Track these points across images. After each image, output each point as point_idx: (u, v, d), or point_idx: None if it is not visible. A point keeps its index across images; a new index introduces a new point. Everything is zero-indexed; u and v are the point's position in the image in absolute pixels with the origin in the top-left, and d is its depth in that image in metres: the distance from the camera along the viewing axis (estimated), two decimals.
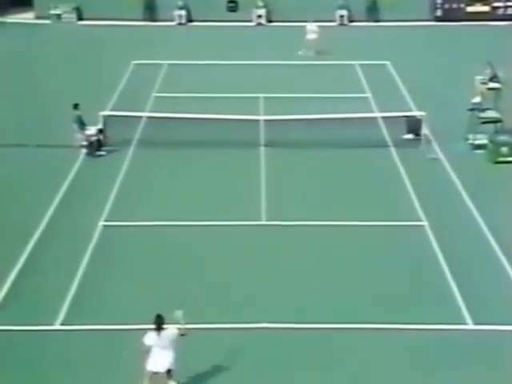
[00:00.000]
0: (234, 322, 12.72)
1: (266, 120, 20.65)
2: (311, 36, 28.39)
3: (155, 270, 14.44)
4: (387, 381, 11.55)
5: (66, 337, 12.48)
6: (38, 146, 19.65)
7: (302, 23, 28.37)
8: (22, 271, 14.34)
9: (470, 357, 12.04)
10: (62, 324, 12.77)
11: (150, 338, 10.79)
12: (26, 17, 33.96)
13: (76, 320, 12.83)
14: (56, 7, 33.49)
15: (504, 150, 18.98)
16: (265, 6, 33.55)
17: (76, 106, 19.63)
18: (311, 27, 28.50)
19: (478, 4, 33.16)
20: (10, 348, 12.22)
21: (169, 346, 10.77)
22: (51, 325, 12.72)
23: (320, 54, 27.99)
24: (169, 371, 10.89)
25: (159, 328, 10.75)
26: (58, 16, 33.46)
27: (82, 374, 11.65)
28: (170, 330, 10.80)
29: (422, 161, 19.06)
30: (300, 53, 28.04)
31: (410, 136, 20.31)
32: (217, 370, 11.66)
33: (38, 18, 33.82)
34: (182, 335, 10.77)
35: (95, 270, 14.40)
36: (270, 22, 33.61)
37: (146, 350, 10.78)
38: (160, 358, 10.79)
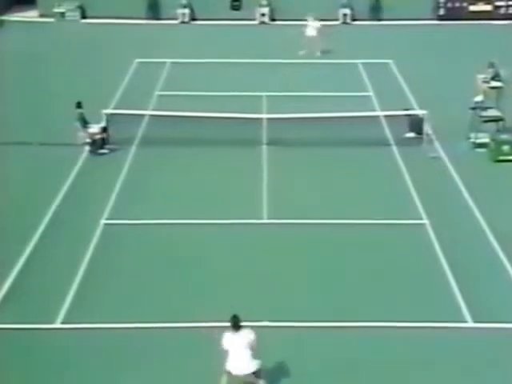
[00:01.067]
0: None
1: (268, 118, 20.66)
2: (311, 33, 28.07)
3: (157, 268, 14.45)
4: (387, 378, 11.57)
5: (67, 335, 12.47)
6: (41, 144, 19.67)
7: (306, 22, 28.24)
8: (23, 269, 14.35)
9: (469, 355, 12.04)
10: (63, 322, 12.76)
11: (227, 340, 10.57)
12: (30, 15, 33.99)
13: (77, 318, 12.82)
14: (60, 5, 33.52)
15: (506, 148, 18.97)
16: (268, 5, 33.51)
17: (79, 104, 19.64)
18: (312, 24, 28.13)
19: (481, 3, 33.10)
20: (10, 346, 12.22)
21: (247, 347, 10.50)
22: (52, 323, 12.71)
23: (323, 52, 27.96)
24: (255, 372, 10.60)
25: (236, 328, 10.52)
26: (62, 14, 33.49)
27: (83, 373, 11.65)
28: (247, 330, 10.59)
29: (423, 159, 19.06)
30: (301, 53, 27.92)
31: (412, 135, 20.32)
32: (218, 368, 11.59)
33: (41, 16, 33.87)
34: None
35: (97, 268, 14.40)
36: (274, 20, 33.58)
37: (225, 352, 10.56)
38: (240, 360, 10.52)
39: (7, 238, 15.44)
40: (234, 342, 10.53)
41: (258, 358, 10.68)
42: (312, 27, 28.14)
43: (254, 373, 10.64)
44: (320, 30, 28.03)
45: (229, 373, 10.64)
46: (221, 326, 12.35)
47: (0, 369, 11.72)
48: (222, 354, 10.66)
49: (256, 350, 10.65)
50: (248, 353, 10.52)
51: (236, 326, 10.58)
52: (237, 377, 10.58)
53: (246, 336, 10.55)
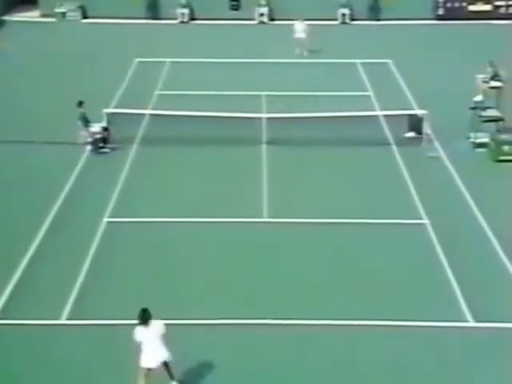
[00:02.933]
0: (236, 318, 12.77)
1: (268, 118, 20.66)
2: (300, 35, 28.23)
3: (159, 266, 14.50)
4: (387, 378, 11.59)
5: (72, 331, 12.57)
6: (43, 142, 19.69)
7: (305, 21, 28.27)
8: (28, 267, 14.42)
9: (470, 354, 12.07)
10: (68, 319, 12.86)
11: (139, 334, 10.76)
12: (32, 15, 34.02)
13: (82, 315, 12.91)
14: (61, 5, 33.59)
15: (506, 148, 18.98)
16: (267, 5, 33.54)
17: (80, 104, 19.68)
18: (299, 26, 28.28)
19: (480, 3, 33.13)
20: (16, 342, 12.31)
21: (158, 339, 10.73)
22: (57, 319, 12.80)
23: (313, 52, 27.94)
24: (165, 364, 10.88)
25: (145, 322, 10.74)
26: (63, 14, 33.57)
27: (87, 369, 11.73)
28: (157, 323, 10.79)
29: (423, 159, 19.07)
30: (297, 52, 28.04)
31: (412, 134, 20.35)
32: (218, 366, 11.70)
33: (43, 16, 33.92)
34: None
35: (100, 266, 14.47)
36: (273, 20, 33.60)
37: (139, 346, 10.78)
38: (152, 353, 10.75)
39: (11, 237, 15.49)
40: (145, 336, 10.72)
41: (166, 350, 10.84)
42: (300, 30, 28.27)
43: (165, 363, 10.86)
44: (307, 31, 28.09)
45: (144, 368, 10.80)
46: (221, 323, 12.55)
47: (7, 363, 11.86)
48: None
49: (163, 341, 10.79)
50: (160, 346, 10.73)
51: (145, 319, 10.75)
52: (150, 369, 10.80)
53: (156, 328, 10.76)
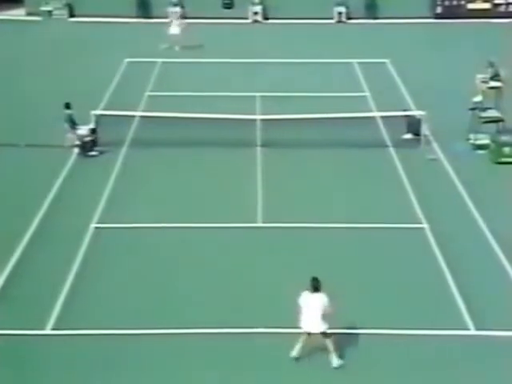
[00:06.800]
0: (229, 327, 12.50)
1: (262, 119, 20.37)
2: (174, 31, 28.52)
3: (148, 272, 14.21)
4: None
5: (58, 342, 12.25)
6: (29, 145, 19.40)
7: (300, 20, 28.11)
8: (12, 275, 14.11)
9: (471, 363, 11.81)
10: (54, 329, 12.55)
11: (304, 298, 11.41)
12: (17, 13, 33.65)
13: (68, 324, 12.62)
14: (47, 4, 33.18)
15: (506, 150, 18.73)
16: (261, 3, 33.28)
17: (67, 105, 19.40)
18: (175, 22, 28.81)
19: (479, 1, 32.92)
20: (1, 352, 12.01)
21: (320, 309, 11.31)
22: (42, 329, 12.49)
23: (183, 48, 27.86)
24: (325, 333, 11.48)
25: (314, 289, 11.34)
26: (49, 12, 33.17)
27: (73, 380, 11.45)
28: (323, 294, 11.37)
29: (421, 161, 18.81)
30: (164, 47, 28.15)
31: (410, 136, 20.04)
32: (212, 374, 11.50)
33: (28, 14, 33.51)
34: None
35: (87, 273, 14.18)
36: (267, 19, 33.34)
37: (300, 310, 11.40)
38: (312, 320, 11.39)
39: None
40: (308, 302, 11.40)
41: (328, 322, 11.43)
42: (175, 26, 28.65)
43: (323, 333, 11.51)
44: (183, 28, 28.44)
45: (305, 332, 11.53)
46: (215, 332, 12.27)
47: None
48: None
49: (329, 314, 11.41)
50: (319, 314, 11.36)
51: (315, 287, 11.39)
52: (310, 335, 11.53)
53: (320, 298, 11.37)
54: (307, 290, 11.40)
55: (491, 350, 12.11)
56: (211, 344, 12.13)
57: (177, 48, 28.28)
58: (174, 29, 28.67)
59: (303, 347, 11.62)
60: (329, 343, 11.55)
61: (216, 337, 12.29)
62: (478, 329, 12.54)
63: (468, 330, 12.55)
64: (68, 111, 19.30)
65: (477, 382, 11.45)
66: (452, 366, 11.71)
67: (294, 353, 11.65)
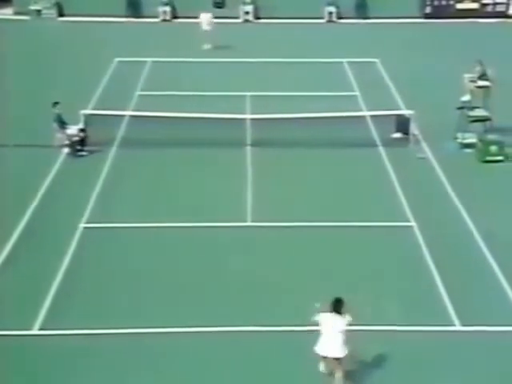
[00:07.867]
0: (218, 326, 12.49)
1: (252, 119, 20.32)
2: (206, 28, 28.33)
3: (137, 272, 14.12)
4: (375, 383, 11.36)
5: (45, 342, 12.17)
6: (17, 145, 19.26)
7: (291, 20, 28.01)
8: None
9: (457, 358, 11.87)
10: (41, 329, 12.49)
11: (323, 317, 10.71)
12: (5, 12, 33.38)
13: (56, 324, 12.54)
14: (36, 3, 32.89)
15: (493, 148, 18.77)
16: (252, 3, 33.23)
17: (55, 104, 19.25)
18: (205, 18, 28.45)
19: (468, 1, 33.00)
20: None
21: (336, 333, 10.64)
22: (29, 330, 12.42)
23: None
24: (337, 359, 10.80)
25: (334, 311, 10.65)
26: (38, 12, 32.86)
27: (61, 380, 11.40)
28: (343, 319, 10.66)
29: (410, 160, 18.83)
30: (205, 47, 28.07)
31: (399, 135, 20.06)
32: (202, 374, 11.50)
33: (16, 13, 33.23)
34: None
35: (75, 273, 14.09)
36: (258, 18, 33.30)
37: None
38: (329, 343, 10.72)
39: None
40: (330, 325, 10.68)
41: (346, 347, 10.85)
42: (206, 23, 28.43)
43: (337, 359, 10.81)
44: (212, 24, 28.31)
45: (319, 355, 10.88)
46: (202, 331, 12.25)
47: None
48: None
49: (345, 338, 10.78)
50: (341, 338, 10.68)
51: (335, 309, 10.68)
52: (326, 358, 10.88)
53: (339, 322, 10.65)
54: (328, 310, 10.76)
55: (476, 345, 12.19)
56: (200, 342, 12.08)
57: (207, 47, 28.12)
58: (206, 26, 28.35)
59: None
60: (338, 369, 10.94)
61: (205, 335, 12.26)
62: (463, 324, 12.61)
63: (453, 325, 12.61)
64: (56, 110, 19.16)
65: (462, 376, 11.50)
66: (437, 361, 11.76)
67: (321, 368, 11.20)
